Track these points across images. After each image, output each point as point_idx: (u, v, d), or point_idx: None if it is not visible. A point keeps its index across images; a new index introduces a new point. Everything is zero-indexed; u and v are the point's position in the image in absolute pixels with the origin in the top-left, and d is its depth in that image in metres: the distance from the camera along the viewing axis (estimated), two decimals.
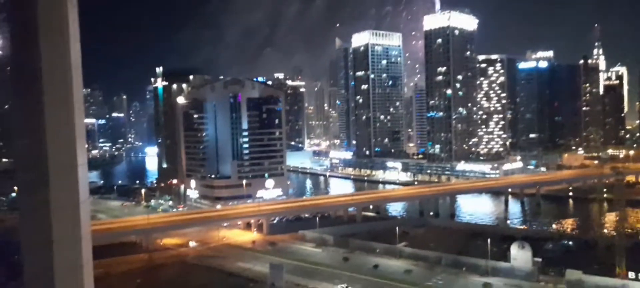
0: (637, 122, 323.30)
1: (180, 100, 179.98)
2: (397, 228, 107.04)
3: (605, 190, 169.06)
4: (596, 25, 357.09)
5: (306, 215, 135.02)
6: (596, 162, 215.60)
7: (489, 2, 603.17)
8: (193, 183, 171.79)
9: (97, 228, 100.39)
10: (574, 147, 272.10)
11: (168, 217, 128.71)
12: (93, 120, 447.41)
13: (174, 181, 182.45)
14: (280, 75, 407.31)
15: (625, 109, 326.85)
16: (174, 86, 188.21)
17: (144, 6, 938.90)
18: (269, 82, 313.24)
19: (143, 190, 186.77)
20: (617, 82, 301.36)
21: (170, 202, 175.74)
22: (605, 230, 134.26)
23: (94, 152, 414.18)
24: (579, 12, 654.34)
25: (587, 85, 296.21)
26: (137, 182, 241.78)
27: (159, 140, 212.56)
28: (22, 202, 17.89)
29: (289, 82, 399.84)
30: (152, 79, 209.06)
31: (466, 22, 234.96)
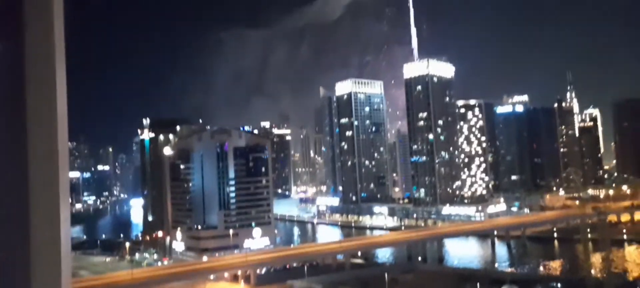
0: (614, 162, 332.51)
1: (167, 151, 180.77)
2: (386, 274, 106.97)
3: (589, 230, 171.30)
4: (568, 71, 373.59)
5: (294, 264, 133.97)
6: (577, 202, 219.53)
7: (463, 49, 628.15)
8: (179, 235, 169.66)
9: (78, 286, 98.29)
10: (554, 188, 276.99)
11: (152, 271, 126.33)
12: (78, 174, 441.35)
13: (160, 233, 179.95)
14: (267, 124, 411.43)
15: (602, 150, 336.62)
16: (161, 137, 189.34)
17: (131, 57, 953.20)
18: (256, 131, 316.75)
19: (127, 244, 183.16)
20: (592, 124, 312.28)
21: (155, 256, 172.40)
22: (593, 271, 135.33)
23: (78, 205, 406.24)
24: (549, 57, 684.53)
25: (563, 127, 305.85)
26: (122, 235, 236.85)
27: (145, 192, 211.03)
28: (0, 260, 18.89)
29: (275, 130, 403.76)
30: (139, 130, 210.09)
31: (444, 69, 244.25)
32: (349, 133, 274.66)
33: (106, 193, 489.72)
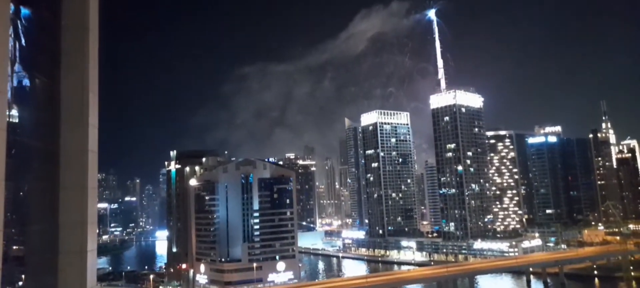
0: None
1: (193, 182, 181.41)
2: None
3: (632, 267, 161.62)
4: (602, 100, 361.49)
5: None
6: (618, 238, 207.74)
7: (492, 80, 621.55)
8: (202, 267, 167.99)
9: None
10: (593, 223, 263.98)
11: None
12: (106, 205, 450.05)
13: (184, 266, 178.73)
14: (292, 155, 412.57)
15: None
16: (187, 168, 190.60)
17: (158, 91, 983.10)
18: (280, 162, 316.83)
19: (151, 276, 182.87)
20: (630, 155, 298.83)
21: None
22: None
23: (105, 237, 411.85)
24: (583, 87, 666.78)
25: (600, 159, 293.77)
26: (146, 267, 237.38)
27: (170, 224, 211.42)
28: None
29: (300, 161, 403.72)
30: (166, 162, 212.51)
31: (472, 100, 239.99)
32: (374, 164, 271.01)
33: (132, 225, 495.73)
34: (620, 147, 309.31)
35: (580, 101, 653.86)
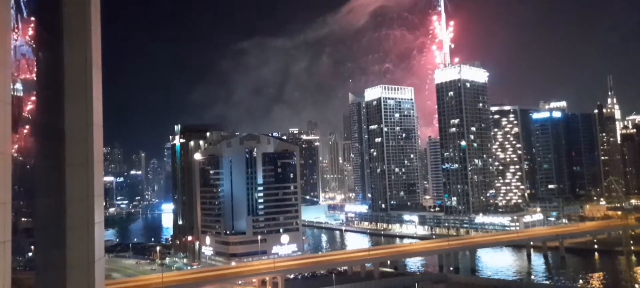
0: None
1: (198, 156, 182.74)
2: (416, 284, 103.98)
3: (632, 242, 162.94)
4: (609, 75, 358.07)
5: (322, 272, 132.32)
6: (619, 213, 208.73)
7: (498, 53, 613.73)
8: (208, 239, 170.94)
9: None
10: (595, 198, 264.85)
11: (182, 275, 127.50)
12: (111, 179, 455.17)
13: (189, 238, 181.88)
14: (295, 130, 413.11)
15: None
16: (192, 143, 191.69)
17: (162, 66, 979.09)
18: (284, 137, 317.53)
19: (158, 248, 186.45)
20: (634, 130, 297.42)
21: (185, 260, 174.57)
22: (636, 285, 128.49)
23: (111, 210, 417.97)
24: (589, 62, 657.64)
25: (604, 134, 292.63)
26: (153, 239, 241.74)
27: (176, 197, 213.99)
28: (38, 260, 17.96)
29: (304, 136, 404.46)
30: (171, 137, 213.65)
31: (476, 75, 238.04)
32: (378, 139, 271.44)
33: (138, 198, 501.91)
34: (625, 123, 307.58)
35: (587, 76, 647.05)
